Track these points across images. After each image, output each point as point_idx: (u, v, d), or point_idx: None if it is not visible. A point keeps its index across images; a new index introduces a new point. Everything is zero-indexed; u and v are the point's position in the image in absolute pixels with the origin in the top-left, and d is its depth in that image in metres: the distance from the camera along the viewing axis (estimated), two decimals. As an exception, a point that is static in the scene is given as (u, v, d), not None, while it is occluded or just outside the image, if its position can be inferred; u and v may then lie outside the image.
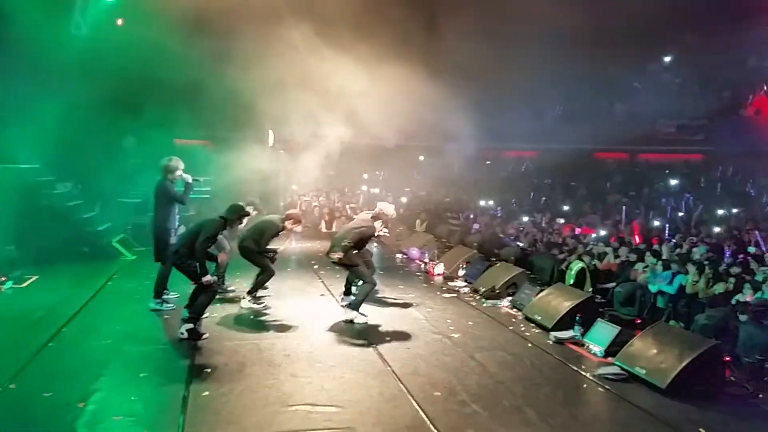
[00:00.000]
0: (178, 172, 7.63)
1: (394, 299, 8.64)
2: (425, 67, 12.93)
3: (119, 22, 16.04)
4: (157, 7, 13.35)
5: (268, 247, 8.17)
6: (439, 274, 10.44)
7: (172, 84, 14.85)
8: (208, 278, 6.58)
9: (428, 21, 13.24)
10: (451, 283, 9.83)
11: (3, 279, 8.43)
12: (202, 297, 6.62)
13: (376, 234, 7.86)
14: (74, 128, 12.26)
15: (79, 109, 12.12)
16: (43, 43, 11.44)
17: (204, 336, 6.49)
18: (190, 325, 6.48)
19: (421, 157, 18.88)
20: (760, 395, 5.52)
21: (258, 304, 7.98)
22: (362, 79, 12.01)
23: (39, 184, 11.04)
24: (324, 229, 16.15)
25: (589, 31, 16.94)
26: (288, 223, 8.16)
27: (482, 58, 14.70)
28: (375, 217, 7.82)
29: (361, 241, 7.60)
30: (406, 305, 8.31)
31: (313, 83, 12.78)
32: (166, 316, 7.32)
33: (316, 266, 10.83)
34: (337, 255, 7.37)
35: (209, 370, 5.55)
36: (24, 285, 8.56)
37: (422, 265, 11.30)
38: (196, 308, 6.57)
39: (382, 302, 8.43)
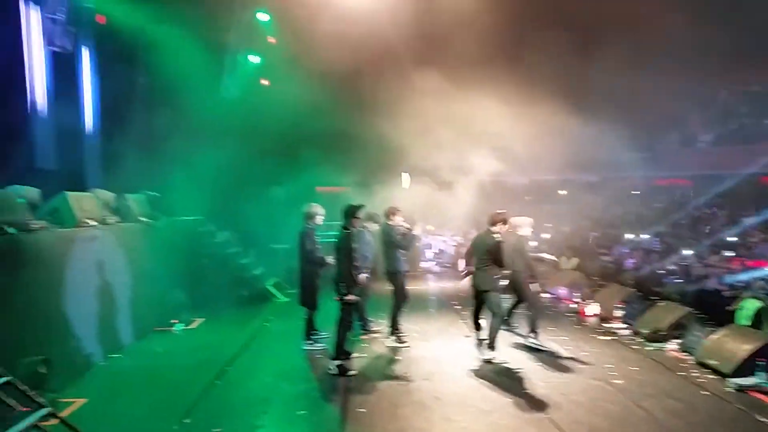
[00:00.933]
0: (318, 218, 7.94)
1: (546, 342, 8.19)
2: (568, 98, 12.53)
3: (264, 82, 17.53)
4: (296, 67, 14.47)
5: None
6: (592, 315, 9.80)
7: (313, 135, 15.84)
8: (350, 297, 6.74)
9: (571, 52, 12.88)
10: (606, 325, 9.17)
11: (174, 322, 9.23)
12: (339, 329, 6.83)
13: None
14: (229, 181, 13.42)
15: (232, 164, 13.22)
16: (200, 106, 12.82)
17: (352, 372, 6.61)
18: (339, 362, 6.66)
19: (563, 192, 18.13)
20: None
21: (401, 342, 7.98)
22: (502, 115, 11.93)
23: (202, 234, 12.12)
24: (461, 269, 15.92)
25: (747, 45, 15.46)
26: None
27: (629, 85, 13.95)
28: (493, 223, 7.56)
29: (493, 254, 7.34)
30: (558, 348, 7.85)
31: (451, 123, 12.92)
32: (317, 356, 7.55)
33: (458, 306, 10.66)
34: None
35: (363, 410, 5.59)
36: (192, 327, 9.30)
37: (572, 305, 10.68)
38: (337, 343, 6.76)
39: (532, 345, 8.03)
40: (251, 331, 8.95)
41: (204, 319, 9.67)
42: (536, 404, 5.71)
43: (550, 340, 8.22)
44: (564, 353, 7.60)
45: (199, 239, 11.92)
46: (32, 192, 7.14)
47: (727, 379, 6.28)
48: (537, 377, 6.60)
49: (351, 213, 7.04)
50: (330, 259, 7.47)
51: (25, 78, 10.66)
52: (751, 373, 6.14)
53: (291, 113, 14.65)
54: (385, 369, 7.02)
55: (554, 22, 13.50)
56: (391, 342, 7.99)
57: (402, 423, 5.27)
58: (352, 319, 7.10)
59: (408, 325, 8.84)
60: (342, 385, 6.38)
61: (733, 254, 12.36)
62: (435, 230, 18.96)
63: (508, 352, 7.57)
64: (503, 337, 7.97)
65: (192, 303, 10.14)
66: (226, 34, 15.18)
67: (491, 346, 7.27)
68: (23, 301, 5.71)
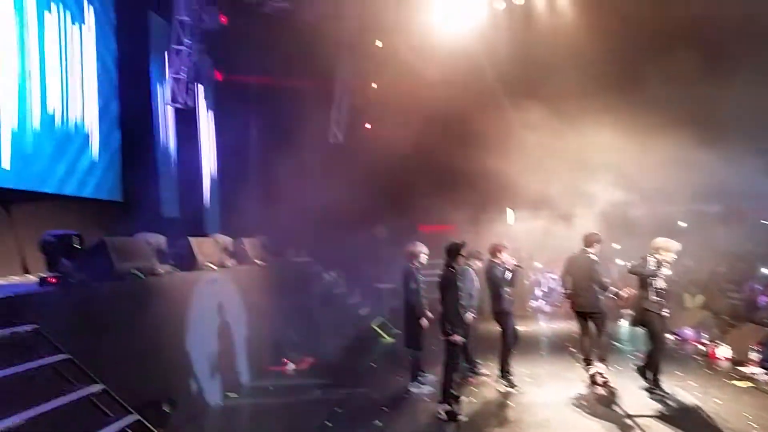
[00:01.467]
0: (422, 257, 7.89)
1: (672, 388, 7.51)
2: (692, 124, 11.82)
3: (368, 126, 18.10)
4: (399, 108, 14.83)
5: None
6: (724, 359, 8.93)
7: (416, 173, 16.04)
8: (456, 338, 6.58)
9: (696, 72, 12.23)
10: (742, 369, 8.29)
11: (285, 361, 9.48)
12: (446, 372, 6.67)
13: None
14: (335, 221, 13.83)
15: (338, 204, 13.60)
16: (309, 150, 13.43)
17: (461, 418, 6.41)
18: (447, 406, 6.50)
19: (683, 224, 16.88)
20: None
21: (512, 386, 7.67)
22: (616, 146, 11.50)
23: (311, 275, 12.51)
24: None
25: None
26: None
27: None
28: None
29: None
30: (687, 396, 7.18)
31: (561, 156, 12.63)
32: (426, 399, 7.41)
33: (572, 349, 10.09)
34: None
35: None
36: (302, 366, 9.47)
37: (700, 348, 9.79)
38: (444, 386, 6.62)
39: (656, 391, 7.41)
40: (360, 372, 8.98)
41: (313, 359, 9.85)
42: (666, 458, 5.23)
43: (677, 385, 7.55)
44: (693, 400, 6.94)
45: (308, 280, 12.29)
46: (159, 238, 7.70)
47: None
48: (663, 425, 6.05)
49: (454, 250, 6.94)
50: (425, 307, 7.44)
51: (152, 135, 11.73)
52: None
53: (395, 153, 14.97)
54: (497, 415, 6.75)
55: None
56: (501, 386, 7.70)
57: (517, 474, 5.00)
58: (458, 361, 6.94)
59: (518, 368, 8.47)
60: (454, 429, 6.20)
61: None
62: (544, 267, 18.30)
63: (630, 395, 7.03)
64: (628, 380, 7.46)
65: (302, 343, 10.40)
66: (331, 82, 15.93)
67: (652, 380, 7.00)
68: (149, 341, 6.07)
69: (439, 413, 6.54)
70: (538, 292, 16.40)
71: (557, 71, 13.85)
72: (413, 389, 7.75)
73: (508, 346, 7.94)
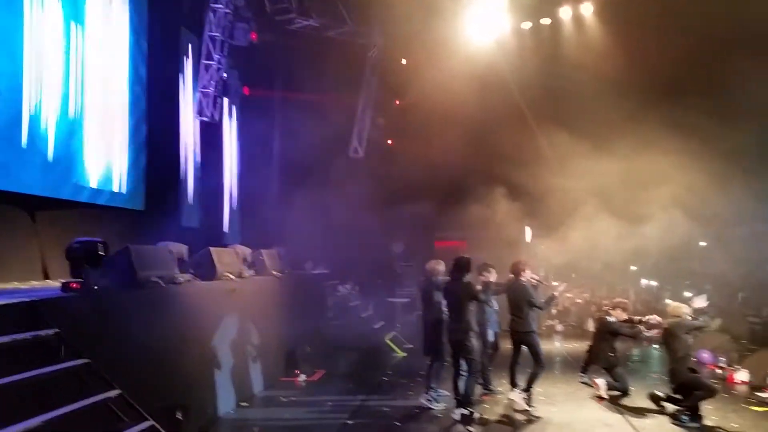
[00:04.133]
0: (440, 273, 7.88)
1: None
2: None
3: (389, 142, 18.26)
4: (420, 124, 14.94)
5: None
6: (742, 383, 8.79)
7: (433, 189, 16.10)
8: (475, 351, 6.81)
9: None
10: (760, 394, 8.16)
11: (298, 372, 9.54)
12: (467, 381, 6.90)
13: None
14: (352, 235, 13.94)
15: (355, 218, 13.72)
16: (330, 165, 13.57)
17: (475, 425, 6.64)
18: (465, 410, 6.74)
19: (703, 243, 16.68)
20: None
21: (529, 404, 7.61)
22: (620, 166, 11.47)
23: (326, 288, 12.60)
24: (591, 328, 15.03)
25: None
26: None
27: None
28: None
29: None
30: (703, 419, 7.08)
31: (578, 178, 12.61)
32: (438, 414, 7.40)
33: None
34: None
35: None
36: (314, 378, 9.53)
37: (718, 371, 9.65)
38: (465, 393, 6.86)
39: (669, 414, 7.33)
40: (369, 386, 9.01)
41: (325, 371, 9.89)
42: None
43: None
44: (712, 425, 6.85)
45: (323, 292, 12.38)
46: (181, 248, 7.85)
47: None
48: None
49: (464, 266, 7.10)
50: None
51: (178, 146, 11.98)
52: None
53: (415, 169, 15.07)
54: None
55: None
56: (516, 404, 7.67)
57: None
58: (478, 372, 7.08)
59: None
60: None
61: None
62: (559, 286, 18.14)
63: (644, 419, 6.97)
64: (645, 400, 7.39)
65: (315, 355, 10.45)
66: (355, 97, 16.12)
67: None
68: (166, 349, 6.15)
69: (455, 415, 6.77)
70: (553, 311, 16.25)
71: (583, 91, 13.87)
72: (424, 401, 7.73)
73: (541, 365, 7.77)
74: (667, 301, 7.56)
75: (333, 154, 15.06)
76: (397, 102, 17.77)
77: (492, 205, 14.92)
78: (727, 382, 9.02)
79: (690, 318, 7.34)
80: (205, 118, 12.10)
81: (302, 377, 9.38)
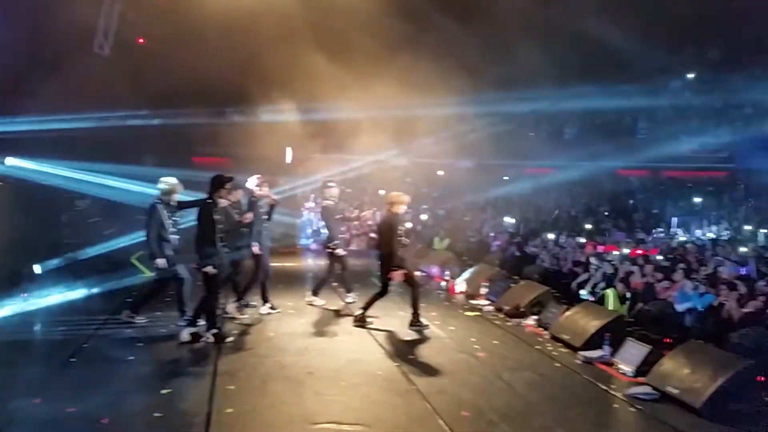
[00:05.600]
0: (174, 196, 7.41)
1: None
2: (443, 86, 12.90)
3: (141, 40, 16.35)
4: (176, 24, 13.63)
5: None
6: (460, 292, 10.30)
7: (193, 102, 15.07)
8: (210, 269, 6.63)
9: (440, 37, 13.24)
10: (473, 302, 9.68)
11: (24, 294, 8.45)
12: (205, 302, 6.84)
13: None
14: (97, 146, 12.46)
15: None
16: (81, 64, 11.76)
17: (229, 339, 6.78)
18: (214, 330, 6.73)
19: (441, 172, 18.75)
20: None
21: (274, 309, 8.09)
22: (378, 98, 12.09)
23: (61, 201, 11.15)
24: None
25: (612, 47, 16.82)
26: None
27: (501, 73, 14.66)
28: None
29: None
30: (428, 324, 8.17)
31: (336, 102, 12.88)
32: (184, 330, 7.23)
33: (334, 284, 10.66)
34: None
35: (232, 387, 5.46)
36: (51, 299, 8.55)
37: (443, 283, 11.16)
38: (207, 313, 6.82)
39: (404, 321, 8.31)
40: (115, 306, 8.38)
41: (63, 292, 8.92)
42: (406, 377, 5.92)
43: (422, 315, 8.55)
44: (434, 328, 7.92)
45: (57, 206, 10.93)
46: None
47: (577, 352, 6.89)
48: (407, 351, 6.83)
49: (218, 183, 6.80)
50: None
51: None
52: (599, 347, 6.77)
53: (170, 76, 13.79)
54: (259, 345, 6.91)
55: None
56: (260, 314, 7.99)
57: (272, 399, 5.22)
58: (218, 292, 6.93)
59: (284, 301, 8.81)
60: (211, 362, 6.19)
61: (587, 240, 13.50)
62: (315, 208, 18.85)
63: (383, 327, 7.76)
64: (376, 312, 8.16)
65: (50, 274, 9.35)
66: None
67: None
68: None
69: (207, 337, 6.66)
70: (309, 231, 16.90)
71: (350, 22, 13.97)
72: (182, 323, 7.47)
73: (263, 278, 8.14)
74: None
75: (75, 50, 12.94)
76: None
77: (255, 123, 14.61)
78: (449, 292, 10.48)
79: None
80: None
81: (31, 297, 8.32)
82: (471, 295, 10.06)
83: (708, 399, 5.23)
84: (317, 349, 6.79)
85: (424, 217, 18.01)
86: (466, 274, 10.85)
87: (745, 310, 7.49)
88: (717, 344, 6.79)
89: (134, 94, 13.19)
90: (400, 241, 7.71)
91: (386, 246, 7.61)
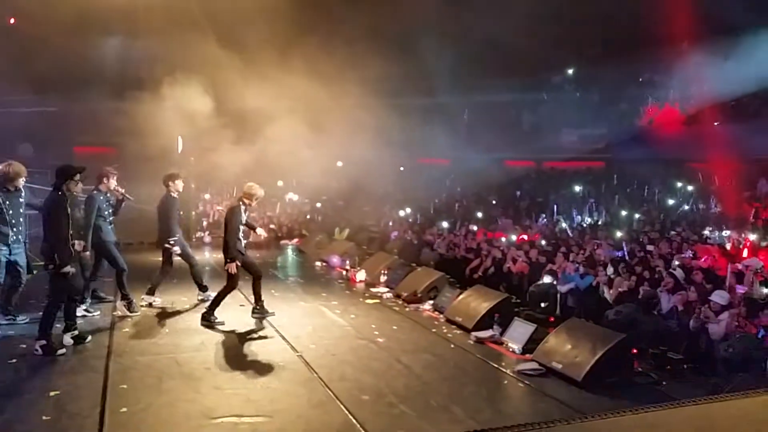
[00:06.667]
0: (20, 181, 6.79)
1: (317, 307, 8.56)
2: (339, 77, 12.96)
3: (11, 21, 15.07)
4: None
5: None
6: (361, 281, 10.47)
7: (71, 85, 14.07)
8: (68, 269, 6.03)
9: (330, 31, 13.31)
10: (373, 289, 9.87)
11: None
12: (49, 305, 6.16)
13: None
14: None
15: None
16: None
17: (60, 352, 6.01)
18: (43, 342, 5.97)
19: (340, 163, 18.83)
20: (664, 383, 5.94)
21: (132, 311, 7.67)
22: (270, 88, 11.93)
23: None
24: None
25: (499, 45, 17.68)
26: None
27: (393, 67, 14.93)
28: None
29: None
30: (329, 313, 8.25)
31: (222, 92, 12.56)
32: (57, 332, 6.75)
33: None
34: None
35: (125, 387, 5.23)
36: None
37: (344, 273, 11.28)
38: (43, 321, 6.05)
39: (305, 311, 8.33)
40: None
41: None
42: (307, 366, 5.95)
43: (322, 305, 8.62)
44: (334, 317, 8.02)
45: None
46: None
47: (470, 333, 7.25)
48: (308, 340, 6.85)
49: (67, 174, 6.17)
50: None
51: None
52: (489, 327, 7.16)
53: (46, 56, 12.80)
54: (151, 342, 6.65)
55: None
56: (125, 311, 7.63)
57: (169, 396, 5.06)
58: (65, 294, 6.24)
59: (179, 297, 8.54)
60: (102, 362, 5.87)
61: (478, 227, 14.17)
62: (212, 199, 18.36)
63: (284, 318, 7.73)
64: (277, 303, 8.11)
65: None
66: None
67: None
68: None
69: (36, 349, 5.95)
70: (204, 223, 16.42)
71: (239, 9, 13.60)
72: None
73: (118, 274, 7.69)
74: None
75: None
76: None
77: (143, 110, 13.87)
78: (350, 281, 10.62)
79: None
80: None
81: None
82: (371, 283, 10.25)
83: (588, 372, 5.68)
84: (214, 344, 6.65)
85: (319, 205, 18.07)
86: (366, 263, 11.04)
87: (620, 289, 8.24)
88: (596, 321, 7.44)
89: (8, 78, 12.12)
90: (246, 232, 7.71)
91: (225, 236, 7.43)
